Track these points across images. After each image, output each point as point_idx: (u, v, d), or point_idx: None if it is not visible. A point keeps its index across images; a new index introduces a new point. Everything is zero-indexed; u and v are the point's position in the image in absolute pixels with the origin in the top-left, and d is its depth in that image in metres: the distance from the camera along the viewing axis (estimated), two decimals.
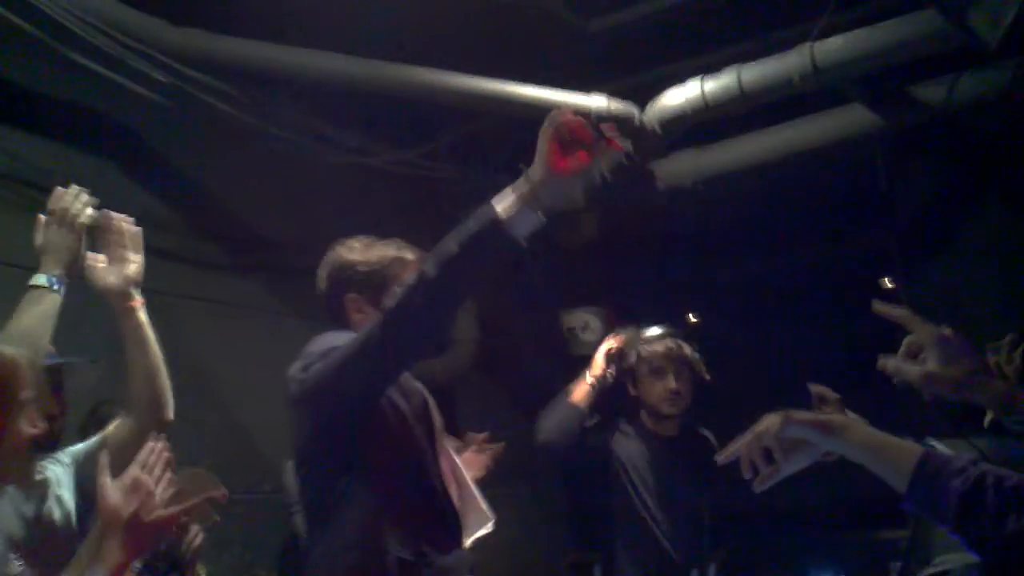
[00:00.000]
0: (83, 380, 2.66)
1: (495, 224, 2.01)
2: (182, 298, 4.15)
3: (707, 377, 3.62)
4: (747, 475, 1.79)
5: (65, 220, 2.43)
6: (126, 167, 4.01)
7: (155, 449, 1.90)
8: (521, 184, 2.01)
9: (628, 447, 3.56)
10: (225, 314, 4.39)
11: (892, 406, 2.72)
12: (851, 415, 2.56)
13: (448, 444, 2.53)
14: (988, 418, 2.60)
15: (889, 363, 1.96)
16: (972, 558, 2.67)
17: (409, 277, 2.28)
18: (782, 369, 6.11)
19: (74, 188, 2.48)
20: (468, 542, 2.43)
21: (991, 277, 5.18)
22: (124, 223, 2.44)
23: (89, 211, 2.46)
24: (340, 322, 2.52)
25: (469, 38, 4.27)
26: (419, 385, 2.45)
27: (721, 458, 1.88)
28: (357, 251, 2.52)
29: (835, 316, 6.33)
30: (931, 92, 4.36)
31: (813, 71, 3.86)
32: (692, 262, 6.47)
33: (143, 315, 2.42)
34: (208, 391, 4.11)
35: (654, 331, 3.66)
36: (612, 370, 3.56)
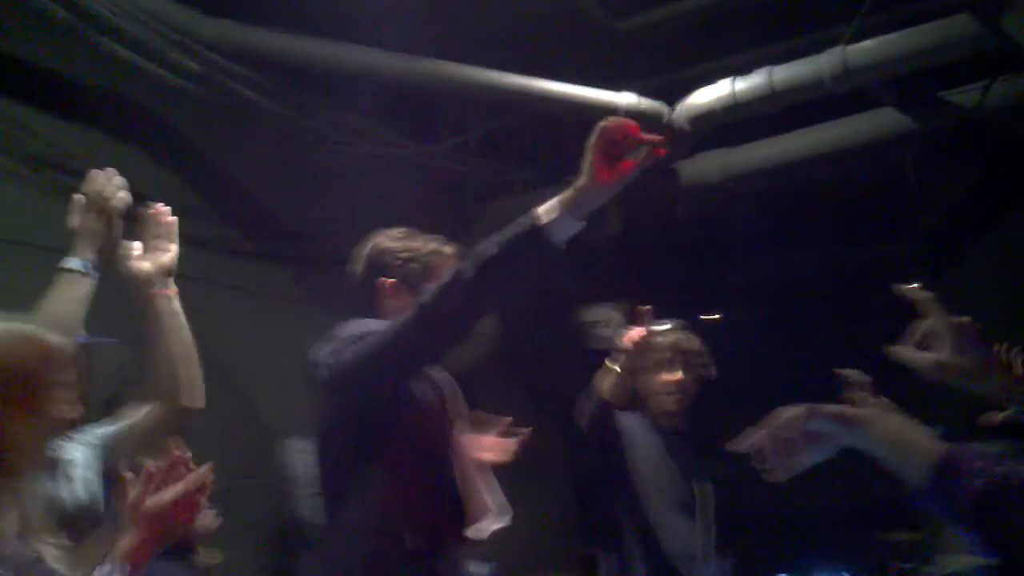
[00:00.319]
0: (109, 362, 2.69)
1: (536, 229, 2.03)
2: (205, 284, 4.17)
3: (713, 373, 3.62)
4: (764, 466, 1.79)
5: (98, 203, 2.44)
6: (157, 155, 4.05)
7: (180, 459, 1.91)
8: (566, 192, 2.03)
9: (637, 439, 3.57)
10: (248, 301, 4.43)
11: (910, 407, 2.72)
12: (883, 400, 2.55)
13: (472, 430, 2.54)
14: (1002, 414, 2.59)
15: (902, 351, 1.96)
16: (978, 559, 2.67)
17: (446, 273, 2.32)
18: (802, 369, 6.14)
19: (109, 171, 2.47)
20: (483, 535, 2.43)
21: (1013, 283, 5.16)
22: (161, 212, 2.46)
23: (122, 194, 2.46)
24: (370, 307, 2.54)
25: (500, 35, 4.28)
26: (445, 375, 2.47)
27: (740, 447, 1.88)
28: (398, 239, 2.55)
29: (856, 317, 6.33)
30: (962, 97, 4.33)
31: (844, 72, 3.85)
32: (714, 260, 6.48)
33: (177, 304, 2.44)
34: (227, 378, 4.13)
35: (663, 325, 3.66)
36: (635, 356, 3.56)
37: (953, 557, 2.63)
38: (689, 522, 3.49)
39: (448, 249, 2.53)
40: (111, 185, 2.46)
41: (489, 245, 2.06)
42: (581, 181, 2.00)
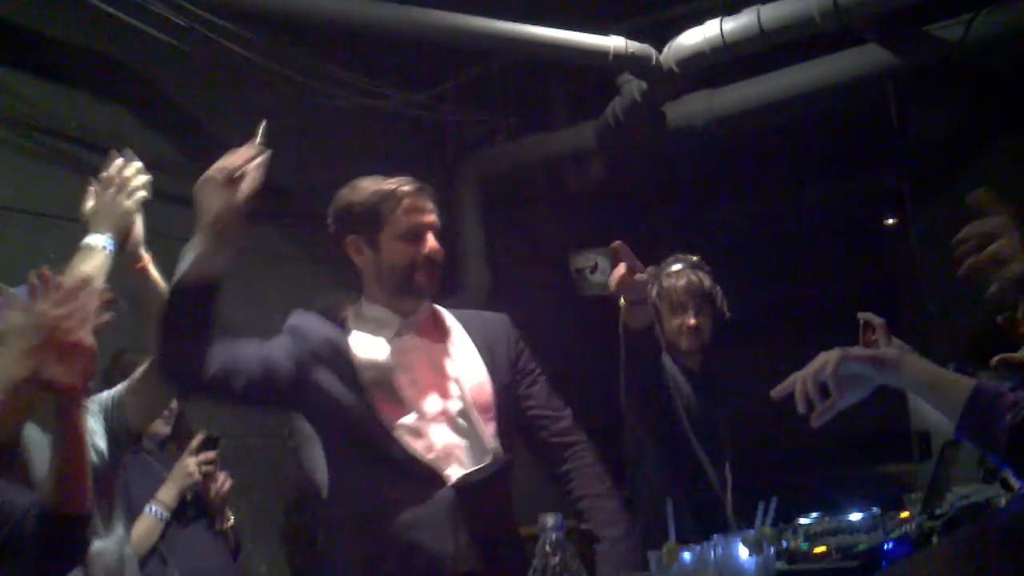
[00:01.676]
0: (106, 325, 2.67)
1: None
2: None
3: (727, 313, 3.61)
4: (802, 410, 1.82)
5: (122, 191, 2.41)
6: (140, 112, 3.99)
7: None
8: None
9: (671, 376, 3.56)
10: (236, 258, 4.40)
11: (901, 339, 2.75)
12: (896, 341, 2.58)
13: (464, 374, 2.51)
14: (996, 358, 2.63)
15: None
16: (990, 489, 2.72)
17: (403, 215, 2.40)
18: (791, 307, 6.21)
19: (131, 158, 2.44)
20: (458, 480, 2.37)
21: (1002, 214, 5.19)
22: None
23: (142, 177, 2.44)
24: (351, 265, 2.53)
25: None
26: (343, 340, 2.43)
27: (776, 392, 1.91)
28: (356, 190, 2.50)
29: (843, 254, 6.38)
30: (945, 32, 4.33)
31: (834, 10, 3.84)
32: (700, 203, 6.49)
33: (154, 270, 2.46)
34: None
35: (676, 265, 3.62)
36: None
37: (970, 487, 2.67)
38: (718, 456, 3.50)
39: (405, 188, 2.46)
40: (137, 176, 2.43)
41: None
42: (202, 232, 2.17)
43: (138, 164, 2.45)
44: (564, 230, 6.06)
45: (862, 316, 2.70)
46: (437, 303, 2.59)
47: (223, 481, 3.37)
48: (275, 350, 2.36)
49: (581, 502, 2.55)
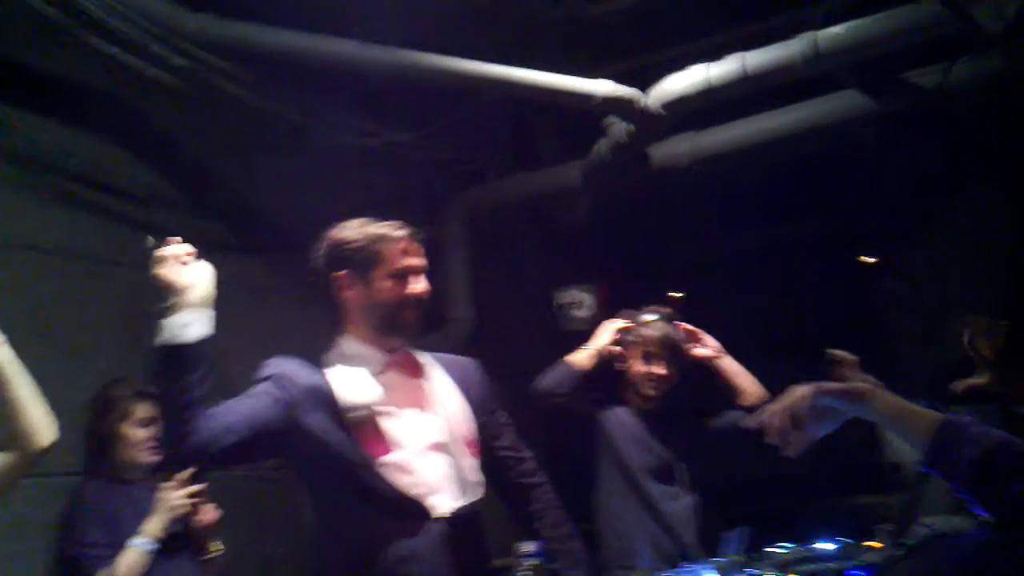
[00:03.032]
0: None
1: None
2: None
3: (692, 359, 3.79)
4: (775, 442, 1.90)
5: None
6: (136, 149, 4.06)
7: None
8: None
9: (618, 420, 3.72)
10: (228, 293, 4.43)
11: (877, 375, 2.83)
12: (867, 376, 2.68)
13: (451, 410, 2.59)
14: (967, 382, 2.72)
15: None
16: (957, 519, 2.79)
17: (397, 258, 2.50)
18: (774, 341, 6.28)
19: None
20: (446, 513, 2.44)
21: (974, 254, 5.29)
22: None
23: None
24: (331, 300, 2.61)
25: (469, 23, 4.33)
26: (326, 382, 2.50)
27: (750, 423, 1.99)
28: (349, 229, 2.58)
29: (821, 290, 6.48)
30: (924, 78, 4.44)
31: (816, 57, 3.94)
32: (683, 240, 6.58)
33: (5, 352, 2.47)
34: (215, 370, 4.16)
35: (650, 315, 3.79)
36: (616, 346, 3.72)
37: (938, 517, 2.73)
38: (674, 491, 3.66)
39: (399, 232, 2.56)
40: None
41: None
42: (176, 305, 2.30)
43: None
44: (549, 267, 6.13)
45: (834, 353, 2.80)
46: (420, 338, 2.67)
47: (209, 512, 3.39)
48: (260, 405, 2.42)
49: (547, 543, 2.60)
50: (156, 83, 3.62)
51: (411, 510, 2.41)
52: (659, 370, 3.69)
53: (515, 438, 2.78)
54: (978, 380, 2.71)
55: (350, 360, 2.55)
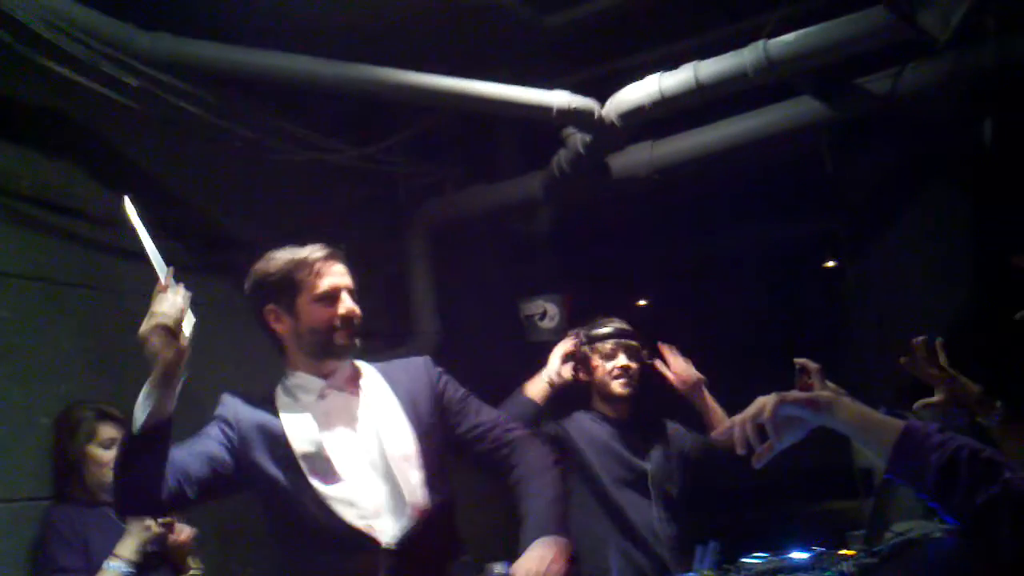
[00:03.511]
0: None
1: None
2: (145, 297, 4.15)
3: (652, 362, 3.83)
4: (742, 452, 1.92)
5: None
6: (93, 170, 4.02)
7: None
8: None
9: (585, 432, 3.73)
10: (199, 314, 4.41)
11: (837, 382, 2.86)
12: (831, 385, 2.71)
13: (398, 428, 2.59)
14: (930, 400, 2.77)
15: None
16: (928, 525, 2.83)
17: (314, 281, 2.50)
18: (731, 349, 6.34)
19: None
20: (390, 542, 2.45)
21: (931, 257, 5.36)
22: None
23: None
24: (267, 333, 2.66)
25: (425, 36, 4.34)
26: (271, 418, 2.54)
27: (717, 435, 2.01)
28: (268, 261, 2.62)
29: (782, 297, 6.54)
30: (876, 84, 4.50)
31: (767, 65, 3.98)
32: (647, 248, 6.62)
33: None
34: (190, 393, 4.12)
35: (603, 319, 3.86)
36: (569, 369, 3.74)
37: (909, 523, 2.77)
38: (646, 502, 3.66)
39: (316, 255, 2.58)
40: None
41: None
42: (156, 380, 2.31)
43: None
44: (513, 277, 6.14)
45: (798, 361, 2.84)
46: (390, 353, 2.67)
47: (185, 530, 3.37)
48: (214, 446, 2.48)
49: (519, 483, 2.62)
50: (109, 102, 3.58)
51: (358, 541, 2.43)
52: (623, 362, 3.74)
53: (478, 410, 2.74)
54: (936, 398, 2.77)
55: (292, 390, 2.59)
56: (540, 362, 3.82)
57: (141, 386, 2.41)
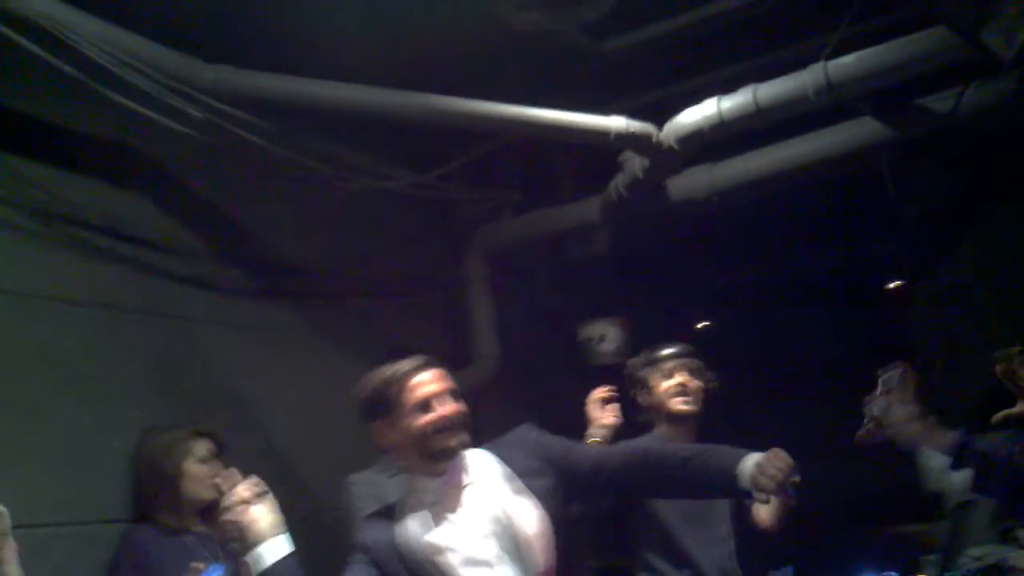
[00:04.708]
0: None
1: None
2: (212, 325, 4.25)
3: (715, 385, 3.75)
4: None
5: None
6: (159, 201, 4.14)
7: None
8: None
9: None
10: (250, 338, 4.48)
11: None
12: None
13: None
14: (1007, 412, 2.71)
15: None
16: (1004, 550, 2.76)
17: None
18: (796, 371, 6.26)
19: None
20: None
21: (997, 278, 5.27)
22: None
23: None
24: (384, 451, 2.85)
25: (483, 64, 4.36)
26: (396, 533, 2.61)
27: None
28: (365, 384, 2.71)
29: (845, 319, 6.45)
30: (938, 103, 4.44)
31: (827, 87, 3.95)
32: (704, 272, 6.58)
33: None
34: (235, 415, 4.19)
35: (662, 345, 3.81)
36: (612, 414, 3.72)
37: (983, 548, 2.71)
38: (712, 536, 3.57)
39: (408, 367, 2.65)
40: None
41: None
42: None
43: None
44: (572, 301, 6.14)
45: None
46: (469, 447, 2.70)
47: None
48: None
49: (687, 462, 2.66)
50: (175, 135, 3.66)
51: None
52: (682, 379, 3.68)
53: (587, 453, 2.86)
54: (1018, 409, 2.70)
55: (413, 500, 2.67)
56: (597, 382, 3.82)
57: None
